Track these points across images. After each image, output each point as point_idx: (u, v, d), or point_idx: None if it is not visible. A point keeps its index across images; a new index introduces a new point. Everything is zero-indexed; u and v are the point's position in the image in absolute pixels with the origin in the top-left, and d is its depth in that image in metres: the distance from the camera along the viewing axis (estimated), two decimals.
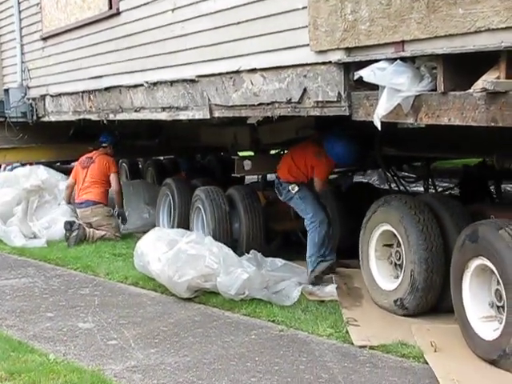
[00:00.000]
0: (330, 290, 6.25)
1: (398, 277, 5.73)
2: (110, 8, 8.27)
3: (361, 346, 5.04)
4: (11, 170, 15.51)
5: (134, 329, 5.66)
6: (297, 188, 6.90)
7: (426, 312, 5.58)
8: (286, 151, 8.33)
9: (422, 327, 5.26)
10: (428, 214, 5.53)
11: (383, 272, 5.91)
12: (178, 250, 6.33)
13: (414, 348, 4.87)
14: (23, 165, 14.32)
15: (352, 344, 5.11)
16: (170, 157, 12.97)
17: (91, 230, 9.17)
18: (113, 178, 9.51)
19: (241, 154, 9.25)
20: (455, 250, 4.95)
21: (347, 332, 5.29)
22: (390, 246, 5.87)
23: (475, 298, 4.82)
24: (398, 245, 5.71)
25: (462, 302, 4.88)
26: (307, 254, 6.70)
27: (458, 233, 5.20)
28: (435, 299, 5.53)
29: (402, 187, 7.86)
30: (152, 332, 5.57)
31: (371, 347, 5.00)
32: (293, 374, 4.62)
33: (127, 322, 5.85)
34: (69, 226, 9.01)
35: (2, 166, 15.77)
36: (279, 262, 6.72)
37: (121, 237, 9.32)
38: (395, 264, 5.83)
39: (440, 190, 8.45)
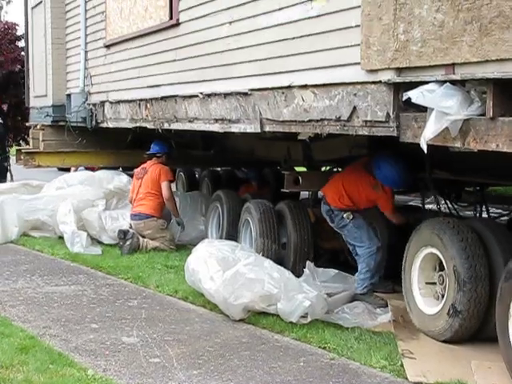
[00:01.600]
0: (383, 318, 6.07)
1: (440, 301, 5.60)
2: (171, 18, 8.35)
3: (416, 383, 4.74)
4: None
5: (179, 347, 5.48)
6: (351, 216, 6.80)
7: (467, 340, 5.44)
8: (337, 169, 8.31)
9: (482, 364, 4.95)
10: (474, 239, 5.40)
11: (425, 295, 5.80)
12: (236, 273, 6.15)
13: None
14: (87, 169, 14.71)
15: (406, 379, 4.81)
16: (226, 168, 13.02)
17: (145, 239, 9.13)
18: (164, 186, 9.39)
19: (297, 169, 9.23)
20: (502, 280, 4.81)
21: (402, 366, 5.00)
22: (434, 269, 5.75)
23: None
24: (442, 268, 5.58)
25: (509, 337, 4.70)
26: (359, 277, 6.66)
27: (505, 260, 5.11)
28: (476, 327, 5.39)
29: (453, 211, 7.71)
30: (197, 351, 5.38)
31: None
32: None
33: (172, 338, 5.69)
34: (122, 234, 8.99)
35: (72, 169, 16.19)
36: (332, 272, 6.70)
37: (175, 249, 9.24)
38: (439, 289, 5.70)
39: (493, 216, 8.26)
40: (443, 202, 7.73)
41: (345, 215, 6.79)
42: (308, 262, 6.66)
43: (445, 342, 5.44)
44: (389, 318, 5.97)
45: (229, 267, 6.36)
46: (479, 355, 5.15)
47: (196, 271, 6.62)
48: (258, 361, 5.20)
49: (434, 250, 5.65)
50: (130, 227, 9.28)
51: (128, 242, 8.91)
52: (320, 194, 8.81)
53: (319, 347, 5.49)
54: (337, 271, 6.72)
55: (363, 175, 6.77)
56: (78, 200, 9.83)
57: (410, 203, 9.24)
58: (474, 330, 5.42)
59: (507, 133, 4.08)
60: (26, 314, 6.32)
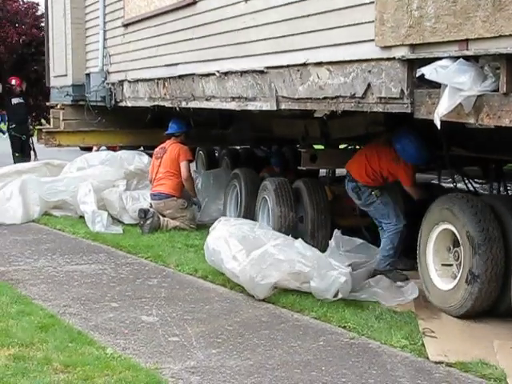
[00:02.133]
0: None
1: (455, 277, 5.62)
2: None
3: (437, 362, 4.67)
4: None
5: (198, 326, 5.46)
6: (380, 193, 6.82)
7: (482, 314, 5.46)
8: (355, 146, 8.32)
9: (505, 345, 4.87)
10: (490, 214, 5.41)
11: (441, 271, 5.81)
12: (264, 253, 6.11)
13: (495, 369, 4.48)
14: (108, 148, 14.85)
15: (427, 358, 4.74)
16: (245, 146, 13.03)
17: (165, 219, 9.11)
18: (182, 165, 9.34)
19: (315, 146, 9.23)
20: None
21: (423, 345, 4.93)
22: (449, 250, 5.76)
23: None
24: (457, 244, 5.60)
25: None
26: (382, 253, 6.68)
27: None
28: (496, 292, 5.39)
29: (471, 188, 7.69)
30: (216, 330, 5.36)
31: (448, 364, 4.63)
32: None
33: (191, 317, 5.67)
34: (143, 213, 8.98)
35: (94, 149, 16.35)
36: (358, 241, 6.68)
37: (195, 228, 9.22)
38: (454, 264, 5.72)
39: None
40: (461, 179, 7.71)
41: (373, 192, 6.82)
42: (336, 231, 6.62)
43: (466, 314, 5.40)
44: (417, 294, 5.89)
45: (251, 246, 6.37)
46: (501, 335, 5.08)
47: (217, 251, 6.60)
48: (277, 340, 5.17)
49: (447, 225, 5.66)
50: (151, 207, 9.29)
51: (148, 221, 8.89)
52: (338, 171, 8.88)
53: (339, 326, 5.45)
54: (362, 241, 6.71)
55: (384, 149, 6.80)
56: (99, 180, 9.89)
57: (432, 181, 9.18)
58: (494, 296, 5.38)
59: None
60: (47, 293, 6.35)
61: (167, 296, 6.30)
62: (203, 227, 9.12)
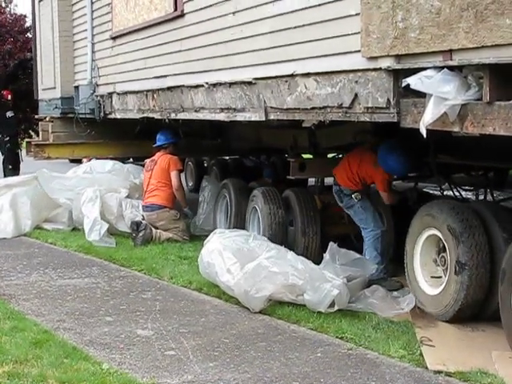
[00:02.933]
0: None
1: (442, 282, 5.72)
2: (175, 10, 8.43)
3: (436, 372, 4.67)
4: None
5: (194, 339, 5.44)
6: (360, 196, 7.02)
7: (468, 319, 5.55)
8: (343, 155, 8.41)
9: (503, 355, 4.88)
10: (475, 220, 5.52)
11: (428, 277, 5.91)
12: (258, 266, 6.11)
13: (495, 378, 4.48)
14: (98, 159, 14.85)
15: (426, 368, 4.73)
16: (234, 157, 13.12)
17: (158, 231, 9.10)
18: (173, 175, 9.38)
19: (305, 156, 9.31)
20: (505, 260, 4.91)
21: (421, 355, 4.93)
22: (436, 251, 5.87)
23: None
24: (444, 250, 5.70)
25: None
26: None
27: (506, 241, 5.26)
28: (478, 306, 5.51)
29: (458, 195, 7.78)
30: (212, 343, 5.34)
31: (447, 373, 4.63)
32: None
33: (187, 330, 5.65)
34: (135, 226, 8.95)
35: (84, 162, 16.32)
36: (354, 255, 6.64)
37: (188, 239, 9.21)
38: (440, 269, 5.82)
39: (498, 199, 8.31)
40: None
41: (353, 195, 7.04)
42: (331, 243, 6.63)
43: (462, 308, 5.44)
44: (414, 304, 5.87)
45: (245, 258, 6.37)
46: (498, 344, 5.07)
47: (211, 264, 6.59)
48: (274, 352, 5.15)
49: (430, 231, 5.81)
50: (143, 219, 9.29)
51: (141, 234, 8.87)
52: (327, 180, 8.95)
53: (336, 337, 5.44)
54: (359, 256, 6.70)
55: (366, 153, 7.04)
56: (106, 188, 9.81)
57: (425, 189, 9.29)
58: (485, 285, 5.45)
59: (503, 116, 4.17)
60: (40, 308, 6.30)
61: (162, 309, 6.28)
62: (196, 239, 9.14)
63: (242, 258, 6.40)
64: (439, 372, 4.66)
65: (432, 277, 5.91)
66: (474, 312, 5.54)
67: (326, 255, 6.50)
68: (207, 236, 7.22)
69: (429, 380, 4.57)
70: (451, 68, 4.52)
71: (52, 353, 5.00)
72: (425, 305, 5.86)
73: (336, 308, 5.82)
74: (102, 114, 10.98)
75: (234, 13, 7.15)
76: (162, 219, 9.24)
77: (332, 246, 6.60)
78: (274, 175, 10.75)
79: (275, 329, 5.69)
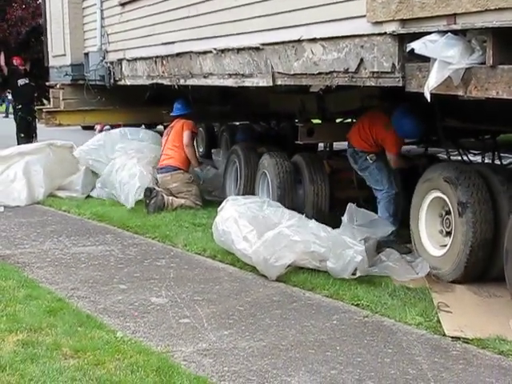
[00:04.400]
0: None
1: (446, 243, 5.79)
2: None
3: (453, 338, 4.60)
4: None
5: (209, 307, 5.37)
6: (375, 157, 7.06)
7: (475, 279, 5.60)
8: (352, 120, 8.44)
9: None
10: (479, 180, 5.59)
11: (432, 238, 5.98)
12: (279, 234, 6.02)
13: None
14: (112, 127, 15.01)
15: (443, 335, 4.66)
16: (244, 122, 13.14)
17: (170, 197, 9.02)
18: (185, 134, 9.35)
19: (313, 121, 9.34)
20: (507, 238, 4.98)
21: (438, 322, 4.84)
22: (441, 212, 5.94)
23: None
24: (449, 212, 5.77)
25: None
26: None
27: (508, 200, 5.38)
28: (483, 266, 5.58)
29: (466, 159, 7.81)
30: (227, 311, 5.27)
31: (465, 340, 4.56)
32: (377, 368, 4.22)
33: (202, 298, 5.58)
34: (148, 192, 8.87)
35: (97, 129, 16.42)
36: (372, 216, 6.58)
37: (201, 205, 9.14)
38: (445, 231, 5.90)
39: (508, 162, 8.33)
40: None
41: (368, 157, 7.07)
42: (350, 204, 6.57)
43: (471, 250, 5.45)
44: (428, 270, 5.80)
45: (261, 226, 6.34)
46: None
47: (227, 232, 6.52)
48: (289, 320, 5.08)
49: (433, 193, 5.90)
50: (157, 183, 9.29)
51: (153, 201, 8.80)
52: (336, 145, 9.01)
53: (352, 304, 5.37)
54: (376, 216, 6.65)
55: (378, 115, 7.06)
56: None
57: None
58: (490, 220, 5.51)
59: (506, 80, 4.21)
60: (54, 276, 6.27)
61: (176, 276, 6.22)
62: (210, 205, 9.06)
63: (257, 225, 6.36)
64: (457, 338, 4.60)
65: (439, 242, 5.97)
66: (486, 258, 5.52)
67: (345, 217, 6.43)
68: (220, 203, 7.18)
69: (446, 347, 4.52)
70: (455, 32, 4.55)
71: (66, 321, 4.96)
72: (433, 267, 5.91)
73: (358, 274, 5.75)
74: (112, 80, 11.02)
75: None
76: (176, 181, 9.21)
77: (351, 206, 6.54)
78: (249, 137, 10.79)
79: (290, 296, 5.63)
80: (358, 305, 5.35)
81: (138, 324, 5.05)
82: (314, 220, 6.45)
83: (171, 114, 9.80)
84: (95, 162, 10.28)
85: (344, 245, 5.88)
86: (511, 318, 4.84)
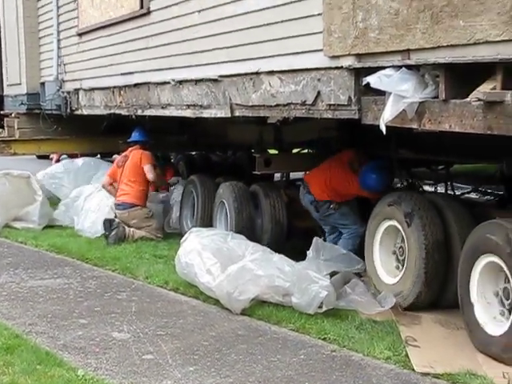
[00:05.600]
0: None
1: (400, 271, 5.92)
2: (142, 7, 8.54)
3: (423, 374, 4.52)
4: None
5: (172, 342, 5.24)
6: (338, 206, 7.09)
7: (426, 307, 5.70)
8: (308, 150, 8.59)
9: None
10: (432, 211, 5.73)
11: (386, 266, 6.10)
12: (242, 268, 5.96)
13: (484, 379, 4.35)
14: (69, 156, 14.93)
15: (413, 370, 4.59)
16: (201, 152, 13.18)
17: (131, 229, 8.92)
18: (147, 169, 9.24)
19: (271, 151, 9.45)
20: (465, 247, 5.11)
21: (407, 356, 4.78)
22: (395, 241, 6.07)
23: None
24: (402, 240, 5.90)
25: (470, 299, 4.99)
26: None
27: (461, 231, 5.53)
28: (435, 294, 5.71)
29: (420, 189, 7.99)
30: (191, 346, 5.14)
31: (435, 375, 4.49)
32: None
33: (165, 333, 5.44)
34: (108, 224, 8.79)
35: (54, 158, 16.29)
36: (339, 250, 6.59)
37: (162, 237, 9.05)
38: (398, 259, 6.03)
39: (459, 192, 8.55)
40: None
41: (331, 206, 7.09)
42: (316, 238, 6.63)
43: (427, 252, 5.55)
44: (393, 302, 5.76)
45: (225, 258, 6.28)
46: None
47: (190, 264, 6.42)
48: (256, 355, 4.97)
49: (387, 222, 6.02)
50: (115, 216, 9.15)
51: (114, 232, 8.70)
52: (293, 175, 9.13)
53: (319, 338, 5.28)
54: (345, 251, 6.61)
55: (350, 175, 7.03)
56: None
57: None
58: (430, 300, 5.70)
59: (458, 113, 4.37)
60: (11, 311, 6.09)
61: (138, 310, 6.09)
62: (170, 237, 9.04)
63: (221, 257, 6.28)
64: (426, 374, 4.54)
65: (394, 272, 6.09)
66: (442, 262, 5.62)
67: (310, 252, 6.44)
68: (180, 234, 7.10)
69: (416, 382, 4.46)
70: (409, 67, 4.71)
71: (24, 359, 4.80)
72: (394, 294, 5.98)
73: (324, 309, 5.69)
74: (68, 110, 11.02)
75: (199, 11, 7.28)
76: (134, 218, 9.06)
77: (317, 240, 6.57)
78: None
79: (256, 330, 5.53)
80: (324, 339, 5.27)
81: (99, 361, 4.91)
82: (278, 254, 6.37)
83: (128, 141, 9.73)
84: (59, 186, 10.32)
85: (309, 279, 5.82)
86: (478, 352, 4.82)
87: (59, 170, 10.62)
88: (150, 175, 9.30)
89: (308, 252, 6.48)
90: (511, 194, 7.89)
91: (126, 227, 8.93)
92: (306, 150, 8.77)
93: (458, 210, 5.80)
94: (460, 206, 5.92)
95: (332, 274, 6.09)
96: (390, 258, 6.11)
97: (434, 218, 5.71)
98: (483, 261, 4.90)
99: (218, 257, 6.31)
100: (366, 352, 4.94)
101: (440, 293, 5.70)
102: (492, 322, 4.84)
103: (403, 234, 5.86)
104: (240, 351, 5.08)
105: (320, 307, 5.70)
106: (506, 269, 4.69)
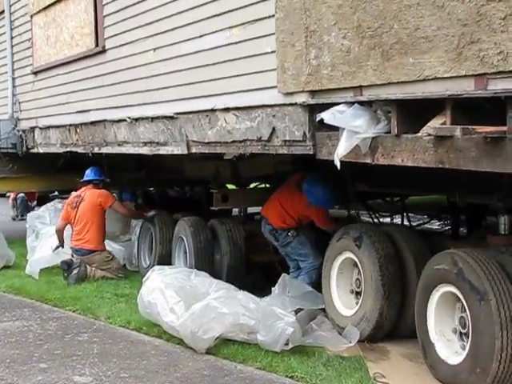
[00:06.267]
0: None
1: (357, 303, 5.97)
2: (97, 45, 8.57)
3: None
4: (20, 198, 15.94)
5: None
6: (296, 233, 7.11)
7: (383, 338, 5.75)
8: (265, 185, 8.65)
9: None
10: (387, 242, 5.82)
11: (343, 298, 6.14)
12: (206, 307, 5.90)
13: None
14: (26, 194, 14.81)
15: None
16: (158, 188, 13.16)
17: (93, 268, 8.80)
18: (116, 206, 9.15)
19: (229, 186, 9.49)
20: (422, 277, 5.18)
21: None
22: (351, 273, 6.12)
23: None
24: (359, 272, 5.96)
25: (427, 328, 5.06)
26: None
27: (415, 261, 5.65)
28: (391, 325, 5.77)
29: (376, 220, 8.09)
30: None
31: None
32: None
33: (128, 375, 5.29)
34: (66, 265, 8.64)
35: (11, 196, 16.13)
36: (306, 288, 6.55)
37: (123, 276, 8.94)
38: (355, 291, 6.08)
39: (416, 223, 8.66)
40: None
41: (289, 233, 7.11)
42: (284, 275, 6.64)
43: (380, 265, 5.64)
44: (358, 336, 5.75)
45: (188, 297, 6.22)
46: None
47: (152, 303, 6.33)
48: None
49: (344, 254, 6.09)
50: (72, 256, 8.97)
51: (75, 271, 8.58)
52: (250, 210, 9.17)
53: (286, 376, 5.19)
54: (311, 289, 6.53)
55: (296, 192, 7.05)
56: None
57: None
58: (387, 330, 5.77)
59: (410, 148, 4.46)
60: None
61: (100, 352, 5.94)
62: (132, 275, 8.98)
63: (185, 296, 6.22)
64: None
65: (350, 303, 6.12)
66: (396, 272, 5.71)
67: (276, 287, 6.42)
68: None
69: None
70: (362, 103, 4.80)
71: None
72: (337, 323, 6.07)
73: (291, 346, 5.62)
74: (24, 148, 10.95)
75: (154, 49, 7.33)
76: (94, 262, 8.89)
77: (284, 277, 6.55)
78: (135, 198, 11.11)
79: (221, 370, 5.42)
80: (292, 377, 5.18)
81: None
82: (242, 291, 6.33)
83: (81, 180, 9.50)
84: (40, 224, 10.30)
85: (274, 316, 5.78)
86: None
87: (42, 212, 10.69)
88: (122, 211, 9.32)
89: (273, 288, 6.44)
90: (461, 225, 8.02)
91: (88, 266, 8.79)
92: (262, 185, 8.82)
93: (414, 242, 5.89)
94: (415, 237, 6.00)
95: (297, 311, 6.06)
96: (348, 293, 6.15)
97: (382, 236, 5.85)
98: (439, 291, 4.98)
99: (182, 295, 6.24)
100: None
101: (402, 308, 5.73)
102: (454, 356, 4.89)
103: (356, 260, 5.93)
104: None
105: (286, 344, 5.63)
106: (458, 294, 4.77)
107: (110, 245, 9.49)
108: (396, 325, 5.78)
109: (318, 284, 6.84)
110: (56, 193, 16.77)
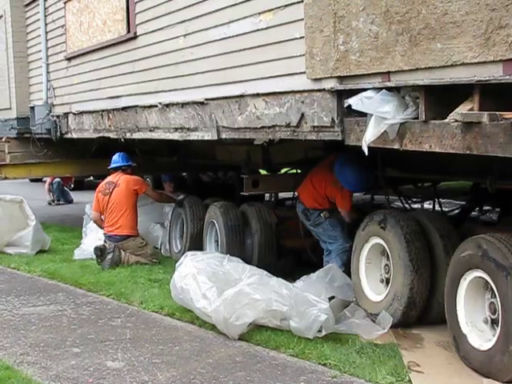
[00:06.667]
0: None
1: (385, 289, 5.97)
2: (128, 32, 8.61)
3: None
4: (56, 183, 16.14)
5: (168, 370, 5.07)
6: (328, 214, 7.12)
7: (416, 322, 5.75)
8: (297, 171, 8.65)
9: (495, 383, 4.63)
10: (411, 221, 5.83)
11: (373, 287, 6.14)
12: (239, 293, 5.84)
13: None
14: (62, 179, 14.97)
15: None
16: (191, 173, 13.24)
17: (127, 253, 8.85)
18: (149, 193, 9.33)
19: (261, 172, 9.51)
20: (449, 268, 5.17)
21: (410, 381, 4.66)
22: (379, 261, 6.12)
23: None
24: (387, 258, 5.96)
25: (458, 320, 5.03)
26: None
27: (441, 238, 5.69)
28: (420, 311, 5.76)
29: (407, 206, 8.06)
30: (188, 374, 4.98)
31: None
32: None
33: (161, 361, 5.29)
34: (99, 251, 8.67)
35: (47, 181, 16.38)
36: (348, 280, 6.40)
37: (157, 262, 8.98)
38: (385, 279, 6.07)
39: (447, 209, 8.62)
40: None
41: (321, 214, 7.12)
42: (333, 265, 6.66)
43: (407, 241, 5.67)
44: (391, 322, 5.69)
45: (221, 282, 6.19)
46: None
47: (185, 289, 6.28)
48: (254, 382, 4.85)
49: (373, 240, 6.10)
50: (105, 242, 9.01)
51: (109, 256, 8.62)
52: (281, 195, 9.19)
53: (319, 364, 5.13)
54: (350, 281, 6.39)
55: (329, 174, 7.05)
56: None
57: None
58: (416, 316, 5.77)
59: (438, 134, 4.43)
60: (2, 340, 5.96)
61: (133, 337, 5.93)
62: (166, 260, 8.99)
63: (217, 281, 6.19)
64: None
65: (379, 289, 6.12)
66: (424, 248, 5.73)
67: (316, 273, 6.39)
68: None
69: None
70: (389, 89, 4.78)
71: None
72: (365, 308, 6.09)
73: (324, 333, 5.56)
74: (58, 133, 11.06)
75: (184, 35, 7.35)
76: (128, 248, 8.92)
77: (331, 266, 6.55)
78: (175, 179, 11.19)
79: (254, 356, 5.37)
80: (325, 364, 5.12)
81: None
82: (276, 278, 6.25)
83: (109, 167, 9.49)
84: None
85: (308, 303, 5.70)
86: (484, 379, 4.71)
87: None
88: (155, 196, 9.50)
89: (312, 274, 6.40)
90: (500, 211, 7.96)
91: (122, 252, 8.83)
92: (294, 171, 8.83)
93: (439, 221, 5.91)
94: (440, 217, 6.00)
95: (330, 299, 6.01)
96: (378, 282, 6.16)
97: (407, 215, 5.91)
98: (466, 280, 4.96)
99: (214, 281, 6.20)
100: (367, 377, 4.80)
101: (432, 285, 5.72)
102: (486, 342, 4.84)
103: (383, 243, 5.93)
104: (238, 378, 4.93)
105: (319, 331, 5.58)
106: (485, 276, 4.76)
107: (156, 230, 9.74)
108: (428, 304, 5.75)
109: (347, 269, 6.87)
110: (91, 178, 17.03)
